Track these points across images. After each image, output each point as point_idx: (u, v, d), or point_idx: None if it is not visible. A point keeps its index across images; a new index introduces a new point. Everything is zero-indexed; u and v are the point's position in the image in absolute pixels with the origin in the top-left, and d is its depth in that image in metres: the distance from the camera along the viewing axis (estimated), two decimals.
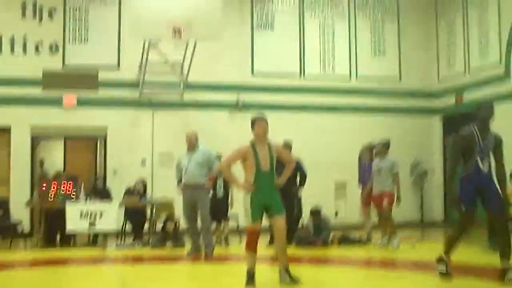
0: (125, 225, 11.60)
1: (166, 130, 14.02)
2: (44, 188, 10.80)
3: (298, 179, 10.73)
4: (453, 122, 15.60)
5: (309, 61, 15.41)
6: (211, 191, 10.31)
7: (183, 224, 10.09)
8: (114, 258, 9.81)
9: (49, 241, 10.91)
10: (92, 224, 10.54)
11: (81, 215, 10.51)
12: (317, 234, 10.44)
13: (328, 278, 7.52)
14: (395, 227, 10.28)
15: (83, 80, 13.92)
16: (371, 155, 11.17)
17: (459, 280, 6.63)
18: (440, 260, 6.67)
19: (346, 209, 14.73)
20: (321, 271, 8.23)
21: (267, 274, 7.14)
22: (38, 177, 13.06)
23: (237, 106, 14.62)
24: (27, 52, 13.72)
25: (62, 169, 13.64)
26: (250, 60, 15.03)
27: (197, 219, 9.55)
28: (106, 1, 14.23)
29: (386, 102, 15.64)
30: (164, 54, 13.25)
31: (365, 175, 11.21)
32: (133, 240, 11.32)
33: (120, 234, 11.45)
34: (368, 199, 10.99)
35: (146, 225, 11.63)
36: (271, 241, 9.74)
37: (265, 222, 6.58)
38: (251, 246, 6.47)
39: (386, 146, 10.53)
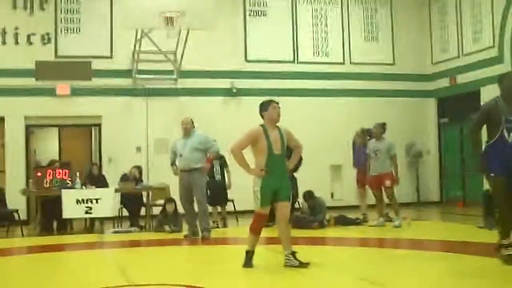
0: (122, 211, 11.62)
1: (160, 117, 13.99)
2: (40, 175, 10.81)
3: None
4: (447, 103, 15.71)
5: (303, 46, 15.40)
6: (209, 175, 10.31)
7: (180, 208, 10.12)
8: (111, 243, 9.81)
9: (46, 228, 10.91)
10: (88, 210, 10.56)
11: (77, 201, 10.51)
12: (313, 216, 10.48)
13: (326, 258, 7.58)
14: (398, 206, 10.34)
15: (76, 70, 13.87)
16: (364, 138, 11.27)
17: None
18: (500, 246, 6.20)
19: (343, 191, 14.79)
20: (319, 250, 8.28)
21: (265, 255, 7.18)
22: (33, 165, 13.06)
23: (231, 93, 14.62)
24: (19, 43, 13.66)
25: (58, 158, 13.64)
26: (243, 47, 15.00)
27: (193, 202, 9.57)
28: None
29: (381, 86, 15.62)
30: (157, 43, 13.21)
31: (359, 158, 11.27)
32: (130, 225, 11.33)
33: (117, 220, 11.43)
34: (363, 180, 11.06)
35: (143, 211, 11.64)
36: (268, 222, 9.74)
37: None
38: (256, 230, 6.47)
39: (383, 127, 10.57)
